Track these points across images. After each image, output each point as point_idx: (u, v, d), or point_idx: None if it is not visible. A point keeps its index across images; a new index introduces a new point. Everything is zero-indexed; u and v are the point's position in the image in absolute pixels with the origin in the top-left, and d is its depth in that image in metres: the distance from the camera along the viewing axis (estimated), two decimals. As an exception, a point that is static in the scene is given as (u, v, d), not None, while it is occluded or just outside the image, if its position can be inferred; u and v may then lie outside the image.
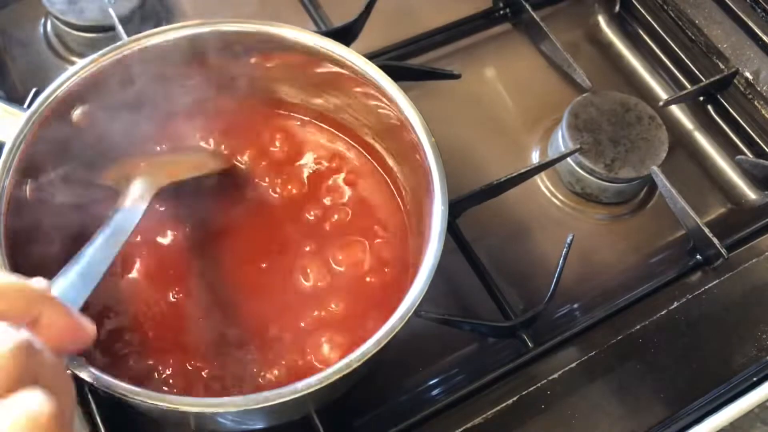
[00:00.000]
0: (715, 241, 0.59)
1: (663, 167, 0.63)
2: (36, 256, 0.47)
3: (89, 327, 0.35)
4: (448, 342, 0.57)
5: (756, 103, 0.72)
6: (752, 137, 0.71)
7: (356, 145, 0.58)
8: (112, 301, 0.50)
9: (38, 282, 0.33)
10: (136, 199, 0.47)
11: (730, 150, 0.71)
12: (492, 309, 0.58)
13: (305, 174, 0.57)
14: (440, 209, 0.46)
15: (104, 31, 0.67)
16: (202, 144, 0.57)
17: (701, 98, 0.73)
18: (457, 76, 0.68)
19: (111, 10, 0.65)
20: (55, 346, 0.32)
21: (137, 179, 0.49)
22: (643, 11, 0.77)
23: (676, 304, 0.58)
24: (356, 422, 0.54)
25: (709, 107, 0.73)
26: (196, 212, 0.54)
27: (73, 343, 0.35)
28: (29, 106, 0.47)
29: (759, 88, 0.72)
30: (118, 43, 0.50)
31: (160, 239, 0.53)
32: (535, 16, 0.72)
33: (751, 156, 0.70)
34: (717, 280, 0.60)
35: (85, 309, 0.46)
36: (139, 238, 0.52)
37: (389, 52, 0.70)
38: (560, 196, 0.66)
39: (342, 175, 0.57)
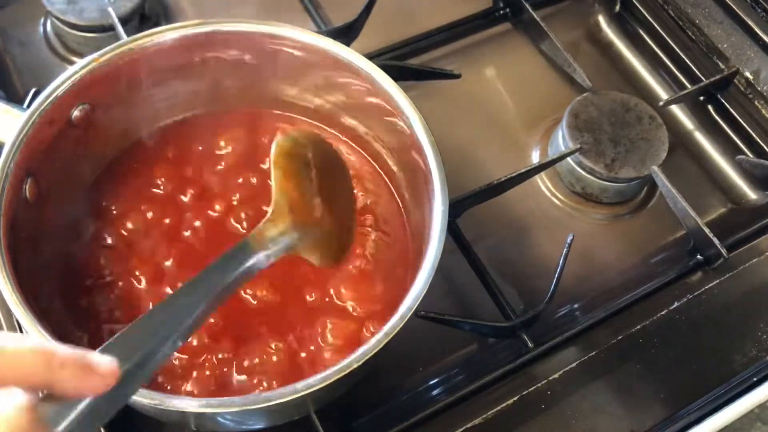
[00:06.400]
0: (716, 241, 0.59)
1: (663, 167, 0.63)
2: (36, 256, 0.47)
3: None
4: (448, 342, 0.57)
5: (756, 102, 0.72)
6: (752, 137, 0.71)
7: (356, 146, 0.58)
8: (117, 303, 0.50)
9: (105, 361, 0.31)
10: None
11: (730, 150, 0.71)
12: (492, 309, 0.58)
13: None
14: (440, 209, 0.46)
15: (104, 31, 0.67)
16: None
17: (701, 98, 0.73)
18: (457, 76, 0.68)
19: (111, 10, 0.65)
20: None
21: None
22: (643, 11, 0.77)
23: (676, 304, 0.58)
24: (356, 422, 0.54)
25: (710, 107, 0.73)
26: None
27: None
28: (29, 106, 0.47)
29: (759, 88, 0.72)
30: (118, 43, 0.50)
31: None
32: (535, 16, 0.72)
33: (751, 156, 0.70)
34: (717, 280, 0.60)
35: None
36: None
37: (389, 52, 0.70)
38: (560, 196, 0.66)
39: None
